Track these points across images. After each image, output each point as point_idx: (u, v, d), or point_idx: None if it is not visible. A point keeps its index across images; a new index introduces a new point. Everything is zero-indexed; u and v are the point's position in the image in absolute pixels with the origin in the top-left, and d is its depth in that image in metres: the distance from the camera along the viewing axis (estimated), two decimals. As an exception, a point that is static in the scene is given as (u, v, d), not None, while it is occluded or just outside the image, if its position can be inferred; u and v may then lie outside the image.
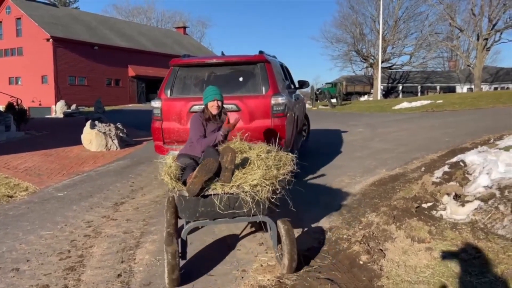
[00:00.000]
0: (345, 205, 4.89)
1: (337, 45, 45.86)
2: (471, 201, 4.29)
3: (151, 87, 37.30)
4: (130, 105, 32.01)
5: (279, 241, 3.28)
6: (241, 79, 5.61)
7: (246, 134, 3.91)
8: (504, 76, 48.31)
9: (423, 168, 6.56)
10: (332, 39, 45.99)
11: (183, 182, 3.13)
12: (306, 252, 3.62)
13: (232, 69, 5.70)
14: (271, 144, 3.78)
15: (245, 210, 3.03)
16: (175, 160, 3.54)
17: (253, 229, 4.18)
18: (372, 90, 43.62)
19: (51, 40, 29.09)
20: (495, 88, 46.50)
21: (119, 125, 10.22)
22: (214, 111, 3.75)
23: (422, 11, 41.74)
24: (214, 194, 2.97)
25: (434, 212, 4.42)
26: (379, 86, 34.69)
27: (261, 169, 3.14)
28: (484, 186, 4.54)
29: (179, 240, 3.12)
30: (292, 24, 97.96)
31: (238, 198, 2.99)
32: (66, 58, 29.97)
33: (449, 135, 9.49)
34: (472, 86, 45.52)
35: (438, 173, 6.00)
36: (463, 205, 4.29)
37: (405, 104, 19.07)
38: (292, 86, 7.43)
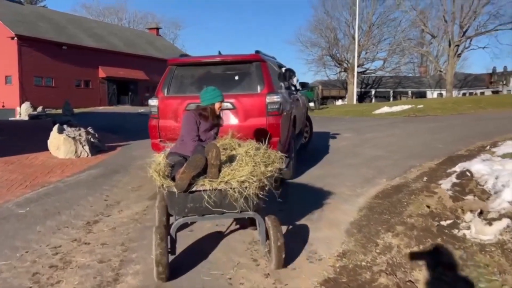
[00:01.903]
0: (353, 223, 4.34)
1: (312, 49, 45.86)
2: (498, 220, 3.81)
3: (122, 89, 36.12)
4: (100, 107, 30.72)
5: (267, 237, 3.31)
6: (236, 77, 5.61)
7: (238, 135, 3.96)
8: (472, 81, 49.61)
9: (425, 178, 6.11)
10: (307, 43, 45.99)
11: (172, 178, 3.16)
12: (323, 285, 3.03)
13: (228, 68, 5.73)
14: (264, 142, 3.76)
15: (234, 206, 3.07)
16: (165, 158, 3.48)
17: (253, 257, 3.56)
18: (346, 95, 43.77)
19: (15, 38, 27.50)
20: (464, 94, 47.66)
21: (90, 129, 9.37)
22: (218, 112, 3.78)
23: (395, 17, 42.29)
24: (202, 190, 3.02)
25: (455, 231, 3.93)
26: (355, 91, 34.72)
27: (249, 166, 3.16)
28: (509, 201, 4.09)
29: (168, 237, 3.15)
30: (267, 27, 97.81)
31: (226, 194, 3.03)
32: (32, 57, 28.39)
33: (441, 141, 9.16)
34: (442, 92, 46.53)
35: (446, 184, 5.54)
36: (490, 223, 3.81)
37: (385, 109, 18.87)
38: (293, 87, 7.34)
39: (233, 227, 4.22)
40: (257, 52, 5.80)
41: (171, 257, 3.23)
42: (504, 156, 6.78)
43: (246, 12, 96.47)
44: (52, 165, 7.67)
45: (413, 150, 8.38)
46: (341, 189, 5.60)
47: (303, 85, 7.33)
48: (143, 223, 4.41)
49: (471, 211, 3.97)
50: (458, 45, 37.27)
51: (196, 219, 3.25)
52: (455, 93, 43.07)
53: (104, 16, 58.63)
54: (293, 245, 3.71)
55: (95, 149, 8.90)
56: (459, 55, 38.51)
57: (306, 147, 8.60)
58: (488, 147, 8.01)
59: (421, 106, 18.51)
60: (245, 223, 4.09)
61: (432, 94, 49.91)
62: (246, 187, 3.02)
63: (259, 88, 5.45)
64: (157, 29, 48.45)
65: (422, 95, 49.32)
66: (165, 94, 5.71)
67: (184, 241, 3.83)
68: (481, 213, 4.05)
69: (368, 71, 46.24)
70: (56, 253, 3.68)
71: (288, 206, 4.81)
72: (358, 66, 37.73)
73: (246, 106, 5.41)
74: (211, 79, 5.57)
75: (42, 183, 6.30)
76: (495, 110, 16.04)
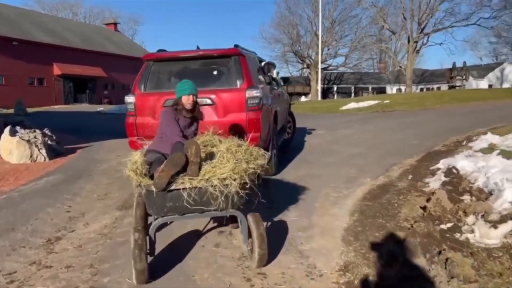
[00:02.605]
0: (347, 229, 4.00)
1: (275, 46, 45.79)
2: (504, 222, 3.59)
3: (79, 87, 34.54)
4: (56, 106, 29.16)
5: (249, 235, 3.27)
6: (215, 72, 5.50)
7: (220, 131, 3.85)
8: (429, 77, 51.19)
9: (409, 176, 5.90)
10: (270, 39, 45.87)
11: (150, 176, 3.09)
12: (331, 309, 2.65)
13: (207, 62, 5.60)
14: (244, 138, 3.76)
15: (215, 204, 3.00)
16: (142, 156, 3.36)
17: (245, 276, 3.13)
18: (310, 91, 43.99)
19: (-40, 33, 25.58)
20: (421, 89, 49.09)
21: (46, 130, 8.58)
22: (188, 106, 3.58)
23: (356, 13, 42.88)
24: (181, 189, 2.93)
25: (457, 235, 3.67)
26: (319, 87, 34.87)
27: (231, 163, 3.09)
28: (510, 202, 3.88)
29: (147, 237, 3.07)
30: (230, 23, 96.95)
31: (207, 192, 2.95)
32: (-22, 53, 26.51)
33: (415, 137, 9.07)
34: (401, 87, 47.79)
35: (435, 183, 5.33)
36: (495, 226, 3.58)
37: (352, 105, 18.88)
38: (274, 83, 7.25)
39: (218, 239, 3.78)
40: (236, 46, 5.67)
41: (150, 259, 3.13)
42: (482, 151, 6.72)
43: (209, 8, 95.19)
44: (4, 171, 6.88)
45: (389, 146, 8.22)
46: (326, 191, 5.28)
47: (285, 80, 7.12)
48: (113, 239, 3.87)
49: (475, 213, 3.72)
50: (416, 42, 38.26)
51: (176, 218, 3.18)
52: (413, 88, 44.30)
53: (57, 10, 56.07)
54: (289, 259, 3.33)
55: (53, 153, 8.15)
56: (417, 51, 39.56)
57: (290, 143, 8.53)
58: (464, 142, 7.97)
59: (388, 101, 18.65)
60: (227, 221, 3.99)
61: (391, 89, 51.11)
62: (227, 185, 2.95)
63: (238, 83, 5.34)
64: (115, 24, 46.78)
65: (382, 90, 50.40)
66: (142, 90, 5.52)
67: (164, 259, 3.36)
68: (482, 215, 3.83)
69: (330, 68, 46.68)
70: (11, 281, 3.09)
71: (274, 212, 4.43)
72: (321, 63, 37.98)
73: (226, 101, 5.29)
74: (189, 75, 5.35)
75: (-8, 193, 5.57)
76: (460, 104, 16.38)
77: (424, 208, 4.43)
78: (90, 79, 35.12)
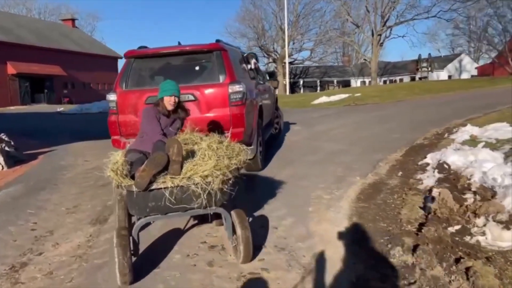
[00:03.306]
0: (349, 237, 3.68)
1: (241, 41, 45.31)
2: (517, 222, 3.39)
3: (36, 86, 32.84)
4: (12, 107, 27.58)
5: (234, 232, 3.24)
6: (197, 68, 5.45)
7: (197, 128, 3.80)
8: (392, 69, 52.21)
9: (399, 173, 5.70)
10: (235, 34, 45.36)
11: (131, 176, 3.04)
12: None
13: (188, 58, 5.54)
14: (228, 134, 3.82)
15: (198, 202, 2.96)
16: (124, 156, 3.31)
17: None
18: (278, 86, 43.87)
19: None
20: (385, 81, 50.04)
21: (3, 136, 7.83)
22: (169, 106, 3.58)
23: (320, 7, 43.01)
24: (163, 188, 2.90)
25: (467, 238, 3.45)
26: (287, 81, 34.76)
27: (212, 160, 3.07)
28: (518, 200, 3.69)
29: (131, 237, 3.02)
30: (195, 17, 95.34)
31: (189, 190, 2.92)
32: None
33: (394, 131, 8.94)
34: (365, 80, 48.55)
35: (428, 180, 5.13)
36: (507, 227, 3.36)
37: (324, 99, 18.75)
38: (261, 77, 7.21)
39: (210, 256, 3.37)
40: (217, 41, 5.61)
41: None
42: (466, 143, 6.63)
43: (173, 2, 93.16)
44: (-44, 184, 6.16)
45: (370, 141, 8.03)
46: (316, 193, 4.97)
47: (271, 74, 6.93)
48: (90, 261, 3.38)
49: (487, 214, 3.49)
50: (380, 34, 38.80)
51: (159, 218, 3.15)
52: (377, 80, 45.02)
53: (9, 6, 52.96)
54: (294, 277, 2.99)
55: (12, 160, 7.42)
56: (381, 44, 40.14)
57: (277, 138, 8.55)
58: (446, 135, 7.90)
59: (359, 94, 18.66)
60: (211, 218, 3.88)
61: (356, 82, 51.82)
62: (209, 182, 2.93)
63: (221, 78, 5.26)
64: (73, 20, 44.85)
65: (347, 83, 51.02)
66: (124, 88, 5.43)
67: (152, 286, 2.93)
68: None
69: (296, 62, 46.70)
70: (-32, 325, 2.58)
71: (267, 219, 4.07)
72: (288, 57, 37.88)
73: (209, 97, 5.22)
74: (171, 71, 5.41)
75: None
76: (430, 96, 16.59)
77: (423, 208, 4.21)
78: (48, 77, 33.47)
